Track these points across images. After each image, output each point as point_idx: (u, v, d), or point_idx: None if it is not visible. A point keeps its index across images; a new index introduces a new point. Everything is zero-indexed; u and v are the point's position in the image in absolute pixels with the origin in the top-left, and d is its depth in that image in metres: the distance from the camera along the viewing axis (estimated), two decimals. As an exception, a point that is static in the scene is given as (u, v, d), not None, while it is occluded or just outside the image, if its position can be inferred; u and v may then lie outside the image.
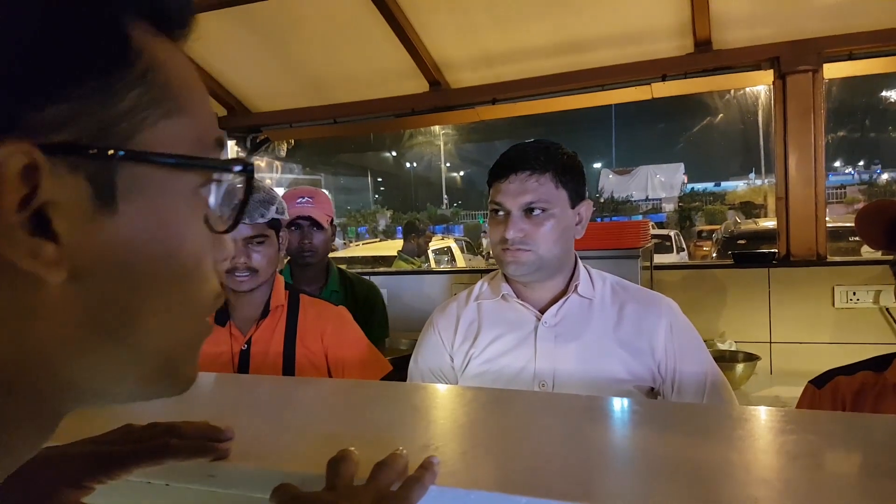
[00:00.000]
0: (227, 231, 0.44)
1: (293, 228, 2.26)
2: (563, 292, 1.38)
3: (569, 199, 1.34)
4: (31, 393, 0.35)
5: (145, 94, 0.37)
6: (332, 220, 2.35)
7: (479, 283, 1.50)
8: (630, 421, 0.82)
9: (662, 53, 3.01)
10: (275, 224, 1.61)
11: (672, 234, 14.00)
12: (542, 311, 1.37)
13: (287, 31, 3.34)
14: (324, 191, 2.40)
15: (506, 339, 1.37)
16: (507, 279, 1.41)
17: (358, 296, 2.36)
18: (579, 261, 1.42)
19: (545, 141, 1.38)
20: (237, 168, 0.41)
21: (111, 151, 0.34)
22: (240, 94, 3.91)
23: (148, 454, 0.61)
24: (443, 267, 8.71)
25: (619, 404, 0.87)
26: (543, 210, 1.30)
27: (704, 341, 2.66)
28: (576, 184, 1.35)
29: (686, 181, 33.59)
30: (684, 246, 14.17)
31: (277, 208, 1.59)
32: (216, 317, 1.63)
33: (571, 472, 0.63)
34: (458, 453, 0.67)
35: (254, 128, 4.16)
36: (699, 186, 32.60)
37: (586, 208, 1.39)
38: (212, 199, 0.41)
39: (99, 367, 0.37)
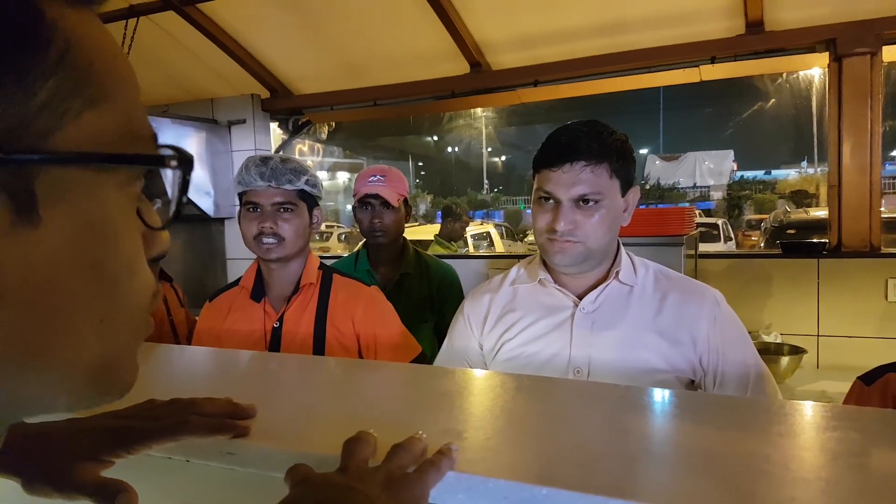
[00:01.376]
0: (163, 228, 0.40)
1: (364, 207, 2.25)
2: (604, 278, 1.34)
3: (620, 188, 1.29)
4: None
5: (64, 83, 0.31)
6: (405, 199, 2.32)
7: (515, 267, 1.47)
8: (666, 412, 0.79)
9: (711, 34, 2.91)
10: (306, 197, 1.61)
11: (720, 222, 13.67)
12: (581, 297, 1.33)
13: (329, 13, 3.34)
14: (397, 170, 2.38)
15: (540, 325, 1.34)
16: (545, 264, 1.38)
17: (433, 278, 2.34)
18: (622, 247, 1.38)
19: (595, 123, 1.30)
20: (173, 162, 0.37)
21: (28, 157, 0.30)
22: (283, 76, 3.94)
23: (168, 430, 0.61)
24: (482, 252, 8.70)
25: (656, 395, 0.84)
26: (596, 201, 1.25)
27: (749, 333, 2.60)
28: (628, 171, 1.29)
29: (735, 168, 32.72)
30: (732, 235, 13.84)
31: (309, 180, 1.59)
32: (252, 292, 1.64)
33: (599, 463, 0.60)
34: (480, 440, 0.66)
35: (296, 110, 4.20)
36: (749, 174, 31.72)
37: (634, 194, 1.33)
38: (145, 192, 0.38)
39: (30, 385, 0.33)
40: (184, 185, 0.39)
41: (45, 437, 0.60)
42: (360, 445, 0.59)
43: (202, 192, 3.91)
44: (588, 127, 1.27)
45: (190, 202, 3.84)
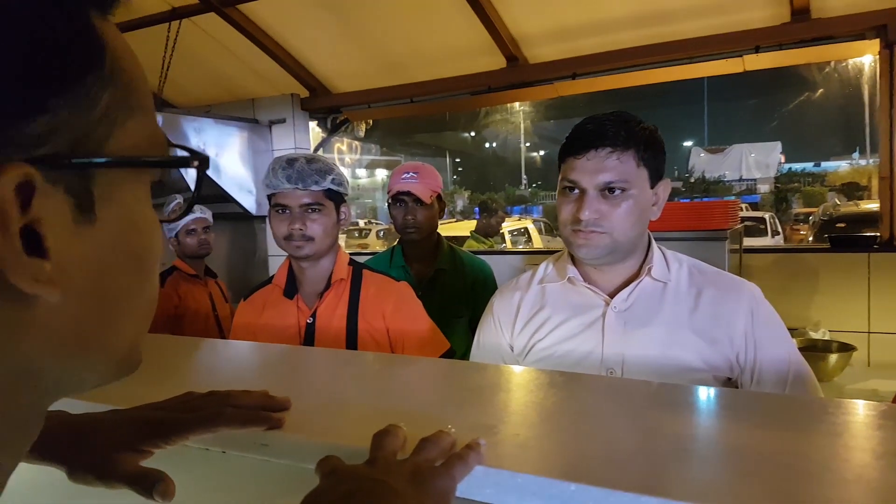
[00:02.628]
0: (174, 220, 0.43)
1: (397, 204, 2.28)
2: (635, 275, 1.30)
3: (649, 179, 1.24)
4: (11, 402, 0.34)
5: (116, 94, 0.35)
6: (438, 196, 2.33)
7: (543, 264, 1.43)
8: (699, 409, 0.77)
9: (755, 23, 2.83)
10: (333, 195, 1.63)
11: (767, 216, 13.33)
12: (612, 296, 1.29)
13: (366, 12, 3.36)
14: (430, 166, 2.39)
15: (571, 325, 1.31)
16: (573, 261, 1.34)
17: (468, 274, 2.35)
18: (654, 242, 1.33)
19: (623, 113, 1.27)
20: (196, 162, 0.41)
21: (91, 160, 0.33)
22: (321, 75, 3.99)
23: (203, 421, 0.63)
24: (520, 248, 8.66)
25: (689, 392, 0.82)
26: (623, 190, 1.20)
27: (795, 329, 2.53)
28: (657, 161, 1.25)
29: (783, 161, 31.80)
30: (780, 229, 13.48)
31: (334, 179, 1.61)
32: (285, 290, 1.68)
33: (630, 460, 0.60)
34: (509, 435, 0.65)
35: (334, 109, 4.24)
36: (797, 166, 30.79)
37: (664, 188, 1.29)
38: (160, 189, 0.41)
39: (76, 370, 0.37)
40: (199, 182, 0.42)
41: (88, 428, 0.62)
42: (389, 438, 0.59)
43: (245, 191, 3.99)
44: (615, 116, 1.24)
45: (233, 200, 3.92)
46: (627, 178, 1.21)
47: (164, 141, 0.40)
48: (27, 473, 0.61)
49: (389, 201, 2.32)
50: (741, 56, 2.94)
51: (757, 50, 2.88)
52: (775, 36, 2.82)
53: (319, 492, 0.51)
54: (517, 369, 0.98)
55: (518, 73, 3.45)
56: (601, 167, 1.20)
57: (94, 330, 0.36)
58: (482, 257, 2.48)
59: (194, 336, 3.04)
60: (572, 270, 1.33)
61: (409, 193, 2.24)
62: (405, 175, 2.29)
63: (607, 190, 1.21)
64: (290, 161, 1.57)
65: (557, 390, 0.83)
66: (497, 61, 3.44)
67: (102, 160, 0.34)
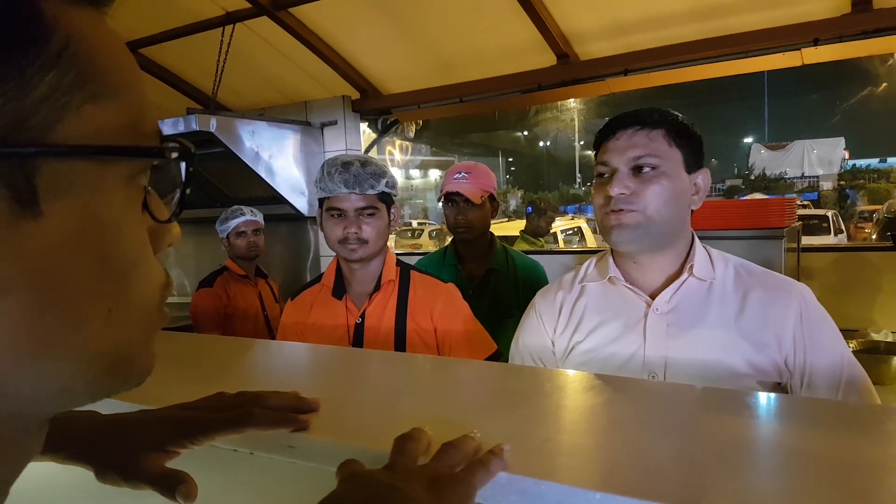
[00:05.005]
0: (169, 220, 0.40)
1: (449, 204, 2.30)
2: (677, 274, 1.25)
3: (683, 162, 1.21)
4: None
5: (64, 77, 0.32)
6: (491, 195, 2.33)
7: (586, 263, 1.41)
8: (741, 416, 0.73)
9: (814, 15, 2.71)
10: (385, 198, 1.64)
11: (829, 214, 12.82)
12: (653, 296, 1.26)
13: (415, 12, 3.37)
14: (484, 166, 2.40)
15: (612, 326, 1.28)
16: (614, 259, 1.32)
17: (520, 275, 2.35)
18: (697, 239, 1.29)
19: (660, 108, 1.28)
20: (174, 154, 0.38)
21: (26, 150, 0.30)
22: (372, 77, 4.02)
23: (230, 422, 0.63)
24: (574, 247, 8.55)
25: (732, 397, 0.79)
26: (654, 167, 1.18)
27: (856, 331, 2.42)
28: (691, 148, 1.22)
29: (847, 157, 30.49)
30: (843, 227, 12.94)
31: (388, 182, 1.62)
32: (334, 290, 1.70)
33: (663, 470, 0.57)
34: (537, 441, 0.64)
35: (384, 110, 4.27)
36: (861, 162, 29.47)
37: (704, 177, 1.25)
38: (152, 186, 0.38)
39: (49, 377, 0.34)
40: (187, 176, 0.39)
41: (116, 428, 0.63)
42: (411, 443, 0.58)
43: (297, 192, 4.05)
44: (649, 108, 1.25)
45: (286, 202, 4.00)
46: (658, 154, 1.19)
47: (151, 132, 0.38)
48: (58, 473, 0.63)
49: (442, 201, 2.33)
50: (799, 49, 2.82)
51: (816, 43, 2.76)
52: (835, 28, 2.70)
53: (335, 497, 0.50)
54: (553, 372, 0.96)
55: (569, 71, 3.40)
56: (630, 144, 1.20)
57: (52, 333, 0.33)
58: (533, 257, 2.46)
59: (244, 335, 3.13)
60: (613, 269, 1.30)
61: (459, 194, 2.24)
62: (457, 175, 2.30)
63: (638, 168, 1.19)
64: (346, 164, 1.59)
65: (594, 394, 0.81)
66: (547, 59, 3.40)
67: (34, 149, 0.31)
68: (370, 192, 1.59)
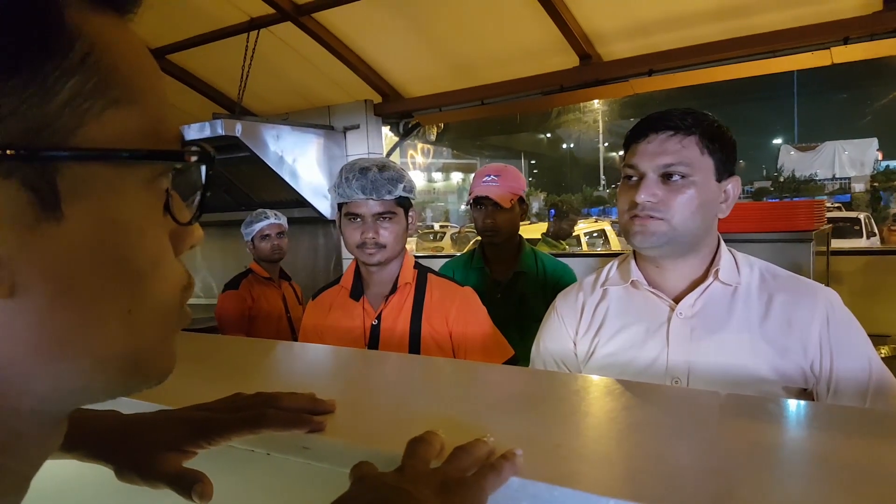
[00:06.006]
0: (190, 222, 0.41)
1: (477, 207, 2.29)
2: (702, 278, 1.23)
3: (714, 170, 1.18)
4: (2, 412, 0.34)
5: (87, 82, 0.33)
6: (520, 198, 2.32)
7: (608, 266, 1.39)
8: (772, 424, 0.71)
9: (844, 13, 2.66)
10: (403, 202, 1.64)
11: (862, 216, 12.53)
12: (677, 300, 1.23)
13: (436, 15, 3.38)
14: (513, 168, 2.39)
15: (634, 330, 1.25)
16: (637, 262, 1.29)
17: (549, 278, 2.33)
18: (722, 243, 1.26)
19: (691, 108, 1.22)
20: (194, 157, 0.38)
21: (49, 153, 0.31)
22: (393, 80, 4.04)
23: (246, 423, 0.63)
24: (598, 250, 8.48)
25: (754, 403, 0.77)
26: (683, 176, 1.15)
27: (888, 336, 2.36)
28: (724, 155, 1.19)
29: (881, 158, 29.82)
30: (875, 230, 12.65)
31: (405, 186, 1.62)
32: (351, 291, 1.70)
33: (679, 477, 0.56)
34: (550, 446, 0.63)
35: (406, 113, 4.29)
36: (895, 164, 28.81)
37: (734, 185, 1.22)
38: (173, 189, 0.39)
39: (68, 375, 0.35)
40: (207, 179, 0.40)
41: (136, 427, 0.64)
42: (423, 446, 0.58)
43: (320, 196, 4.08)
44: (683, 108, 1.21)
45: (309, 205, 4.03)
46: (689, 162, 1.16)
47: (172, 137, 0.38)
48: (81, 471, 0.64)
49: (471, 203, 2.32)
50: (828, 48, 2.77)
51: (845, 41, 2.70)
52: (866, 26, 2.64)
53: (345, 499, 0.50)
54: (572, 377, 0.95)
55: (591, 72, 3.37)
56: (661, 150, 1.16)
57: (71, 333, 0.34)
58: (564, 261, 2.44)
59: (268, 336, 3.16)
60: (636, 273, 1.28)
61: (487, 197, 2.24)
62: (485, 178, 2.29)
63: (667, 175, 1.16)
64: (364, 170, 1.58)
65: (613, 400, 0.79)
66: (569, 60, 3.38)
67: (59, 153, 0.32)
68: (387, 197, 1.59)
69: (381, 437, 0.66)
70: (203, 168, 0.40)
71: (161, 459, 0.60)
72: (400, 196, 1.61)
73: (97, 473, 0.62)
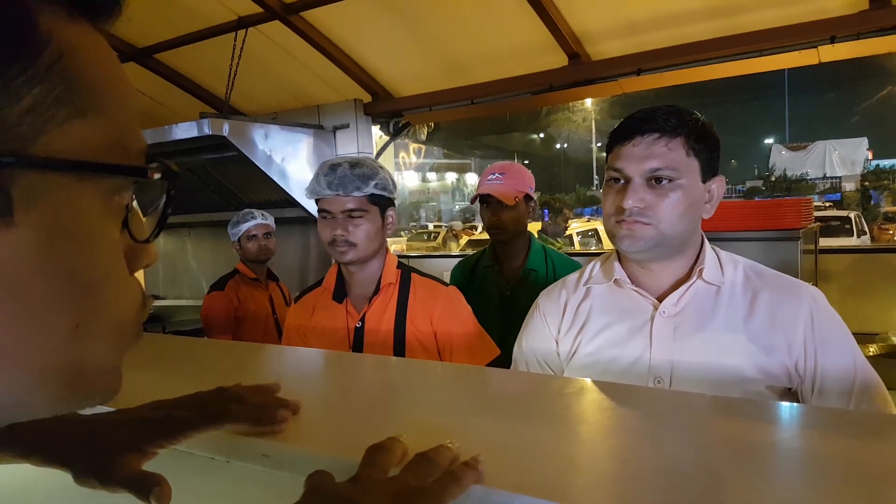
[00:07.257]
0: (148, 240, 0.40)
1: (483, 205, 2.30)
2: (686, 277, 1.22)
3: (700, 171, 1.17)
4: None
5: (53, 90, 0.32)
6: (526, 195, 2.31)
7: (591, 264, 1.37)
8: (756, 427, 0.70)
9: (831, 12, 2.66)
10: (377, 200, 1.61)
11: (852, 215, 12.61)
12: (661, 299, 1.22)
13: (425, 14, 3.37)
14: (520, 166, 2.39)
15: (617, 329, 1.24)
16: (620, 261, 1.28)
17: (560, 275, 2.34)
18: (707, 242, 1.25)
19: (676, 105, 1.20)
20: (157, 174, 0.37)
21: (4, 159, 0.30)
22: (383, 80, 4.02)
23: (207, 419, 0.62)
24: (592, 249, 8.50)
25: (738, 405, 0.76)
26: (670, 180, 1.14)
27: (877, 334, 2.37)
28: (709, 155, 1.18)
29: (871, 157, 29.98)
30: (866, 229, 12.74)
31: (378, 184, 1.59)
32: (334, 293, 1.68)
33: (652, 481, 0.54)
34: (522, 450, 0.61)
35: (396, 112, 4.27)
36: (885, 163, 28.97)
37: (718, 185, 1.21)
38: (133, 204, 0.38)
39: (5, 387, 0.33)
40: (168, 198, 0.39)
41: (92, 429, 0.62)
42: (382, 453, 0.55)
43: (309, 195, 4.06)
44: (666, 106, 1.19)
45: (298, 205, 4.00)
46: (676, 166, 1.14)
47: (136, 151, 0.38)
48: (39, 477, 0.62)
49: (478, 202, 2.32)
50: (816, 47, 2.77)
51: (833, 40, 2.71)
52: (853, 24, 2.64)
53: None
54: (548, 377, 0.93)
55: (581, 71, 3.37)
56: (648, 153, 1.14)
57: (12, 342, 0.33)
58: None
59: (255, 338, 3.13)
60: (619, 272, 1.27)
61: (491, 195, 2.23)
62: (490, 176, 2.30)
63: (654, 179, 1.14)
64: (333, 167, 1.57)
65: (590, 402, 0.78)
66: (559, 59, 3.37)
67: (12, 159, 0.31)
68: (356, 193, 1.56)
69: (342, 444, 0.63)
70: (166, 186, 0.39)
71: (119, 461, 0.58)
72: (372, 193, 1.59)
73: (56, 478, 0.60)
